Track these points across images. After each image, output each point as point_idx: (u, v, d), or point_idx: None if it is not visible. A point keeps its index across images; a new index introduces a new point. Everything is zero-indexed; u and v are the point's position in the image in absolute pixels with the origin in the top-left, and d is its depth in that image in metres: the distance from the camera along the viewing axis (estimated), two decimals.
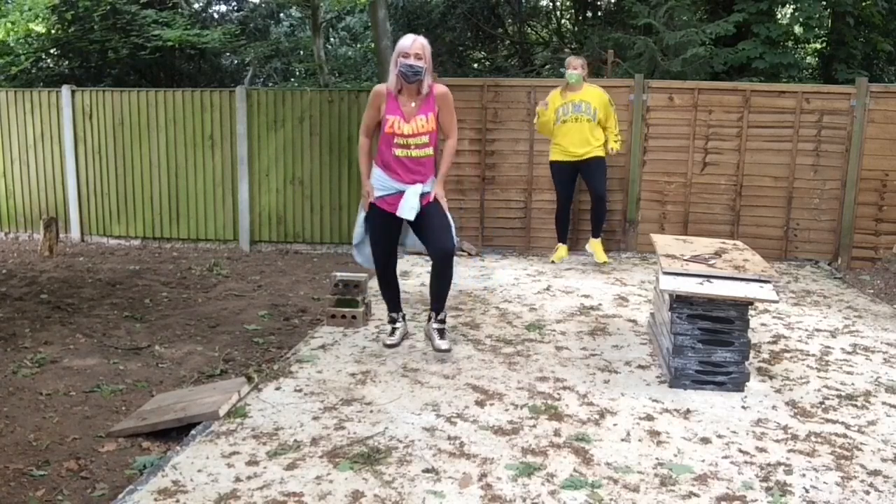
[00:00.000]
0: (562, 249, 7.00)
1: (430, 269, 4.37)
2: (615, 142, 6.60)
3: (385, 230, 4.30)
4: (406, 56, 4.01)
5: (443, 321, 4.41)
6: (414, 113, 4.12)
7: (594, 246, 6.96)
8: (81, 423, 3.72)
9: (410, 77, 4.03)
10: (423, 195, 4.18)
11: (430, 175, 4.25)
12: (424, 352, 4.41)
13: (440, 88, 4.18)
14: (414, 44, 4.03)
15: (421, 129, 4.12)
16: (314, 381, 3.91)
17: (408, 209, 4.11)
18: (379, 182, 4.23)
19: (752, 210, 7.59)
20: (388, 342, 4.45)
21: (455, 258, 4.32)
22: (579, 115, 6.51)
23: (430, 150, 4.19)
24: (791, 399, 3.75)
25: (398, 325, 4.55)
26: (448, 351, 4.29)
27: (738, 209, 7.61)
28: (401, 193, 4.16)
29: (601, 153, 6.59)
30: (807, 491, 2.82)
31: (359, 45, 17.77)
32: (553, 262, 7.00)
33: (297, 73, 16.39)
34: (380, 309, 5.35)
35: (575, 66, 6.51)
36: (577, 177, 6.74)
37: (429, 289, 4.42)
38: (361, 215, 4.42)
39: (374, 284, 6.11)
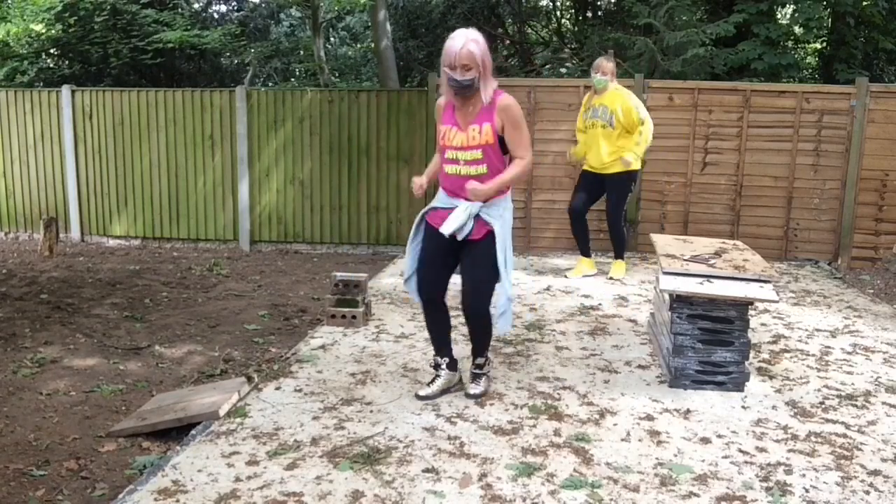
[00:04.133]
0: (581, 264, 6.45)
1: None
2: (632, 152, 5.96)
3: (434, 252, 3.56)
4: (453, 68, 3.32)
5: (480, 365, 3.75)
6: (469, 121, 3.44)
7: (616, 267, 6.43)
8: (81, 423, 3.72)
9: (459, 91, 3.38)
10: (477, 219, 3.46)
11: (491, 199, 3.50)
12: (424, 352, 4.41)
13: (503, 100, 3.41)
14: (460, 53, 3.29)
15: (473, 141, 3.41)
16: (314, 381, 3.91)
17: (450, 224, 3.42)
18: (440, 196, 3.61)
19: (752, 210, 7.59)
20: (422, 393, 3.68)
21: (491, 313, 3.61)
22: (595, 120, 6.06)
23: (483, 168, 3.43)
24: (791, 399, 3.75)
25: (441, 372, 3.73)
26: (478, 396, 3.68)
27: (738, 209, 7.61)
28: (455, 208, 3.49)
29: (621, 167, 6.01)
30: (807, 491, 2.82)
31: (359, 45, 17.76)
32: (566, 276, 6.44)
33: (297, 73, 16.39)
34: (380, 309, 5.35)
35: (604, 71, 5.97)
36: (598, 189, 6.21)
37: None
38: (413, 233, 3.67)
39: (374, 284, 6.13)
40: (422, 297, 3.63)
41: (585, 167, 6.28)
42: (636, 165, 6.06)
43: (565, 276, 6.43)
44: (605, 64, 6.02)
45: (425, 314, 3.71)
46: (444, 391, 3.70)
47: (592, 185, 6.22)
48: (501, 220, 3.49)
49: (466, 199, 3.45)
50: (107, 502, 2.93)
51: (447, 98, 3.49)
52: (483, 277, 3.47)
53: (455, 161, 3.48)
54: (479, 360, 3.74)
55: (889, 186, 7.36)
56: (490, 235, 3.45)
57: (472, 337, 3.70)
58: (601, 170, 6.12)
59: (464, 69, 3.31)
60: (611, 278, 6.34)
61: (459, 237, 3.45)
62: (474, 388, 3.71)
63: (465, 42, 3.30)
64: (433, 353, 3.78)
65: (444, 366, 3.72)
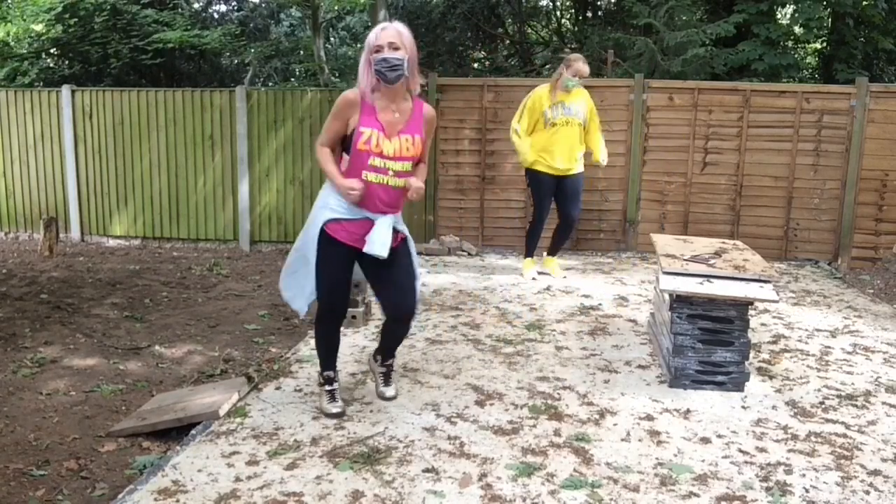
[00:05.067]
0: (530, 262, 6.43)
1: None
2: (603, 151, 6.06)
3: (342, 263, 3.32)
4: (378, 49, 3.09)
5: (391, 366, 3.72)
6: (398, 128, 3.22)
7: (551, 263, 6.46)
8: (81, 423, 3.72)
9: (389, 75, 3.09)
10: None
11: (400, 209, 3.39)
12: (424, 352, 4.41)
13: (429, 111, 3.33)
14: (384, 32, 3.11)
15: (406, 152, 3.24)
16: (314, 381, 3.90)
17: (380, 245, 3.20)
18: (338, 202, 3.26)
19: (752, 210, 7.59)
20: (334, 410, 3.46)
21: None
22: (570, 118, 5.85)
23: (406, 181, 3.28)
24: (791, 399, 3.75)
25: (336, 384, 3.56)
26: (393, 398, 3.63)
27: (738, 209, 7.61)
28: (366, 220, 3.25)
29: (580, 168, 6.02)
30: (807, 491, 2.82)
31: (359, 45, 17.74)
32: (534, 277, 6.33)
33: (297, 73, 16.39)
34: (379, 309, 5.34)
35: (583, 74, 5.83)
36: (555, 189, 6.08)
37: (379, 341, 3.69)
38: (311, 232, 3.31)
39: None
40: (326, 308, 3.37)
41: (543, 170, 5.95)
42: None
43: (564, 277, 6.39)
44: (585, 68, 5.86)
45: (324, 325, 3.45)
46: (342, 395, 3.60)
47: (553, 187, 6.03)
48: (403, 224, 3.44)
49: (382, 212, 3.25)
50: (107, 502, 2.93)
51: (362, 94, 3.18)
52: (412, 277, 3.41)
53: (383, 170, 3.21)
54: (389, 361, 3.69)
55: (889, 186, 7.36)
56: (405, 241, 3.40)
57: (395, 342, 3.62)
58: (566, 171, 5.95)
59: (391, 48, 3.08)
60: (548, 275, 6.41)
61: (385, 253, 3.22)
62: (390, 390, 3.67)
63: (390, 24, 3.17)
64: (322, 368, 3.52)
65: (336, 375, 3.56)
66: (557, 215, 6.26)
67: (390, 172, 3.23)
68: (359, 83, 3.19)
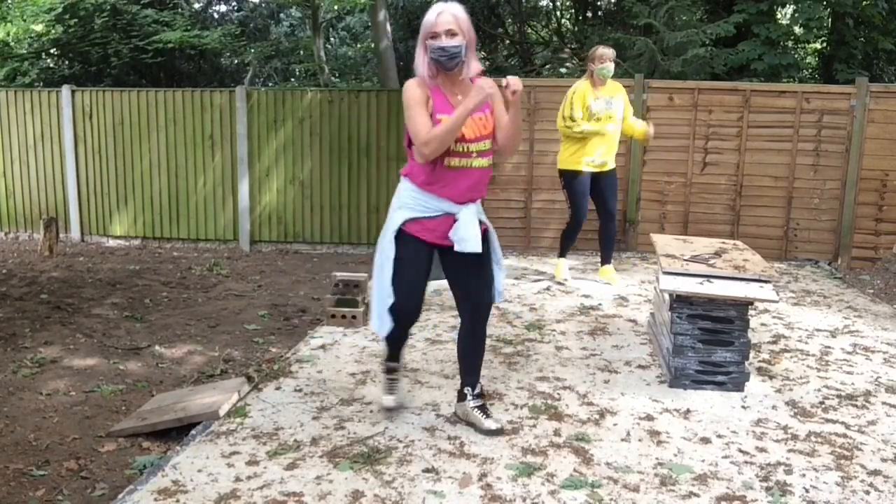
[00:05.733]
0: (563, 263, 6.26)
1: None
2: (644, 131, 5.81)
3: (423, 264, 3.14)
4: (435, 36, 2.96)
5: (480, 395, 3.36)
6: None
7: (607, 273, 6.20)
8: (81, 423, 3.72)
9: (447, 63, 2.97)
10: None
11: (484, 193, 3.24)
12: (424, 352, 4.41)
13: (485, 81, 3.11)
14: (440, 17, 2.96)
15: (483, 131, 3.08)
16: (314, 381, 3.91)
17: (472, 241, 3.03)
18: (416, 201, 3.11)
19: (752, 210, 7.59)
20: (386, 404, 3.47)
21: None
22: (612, 112, 5.67)
23: (491, 159, 3.18)
24: (791, 399, 3.74)
25: (398, 374, 3.52)
26: (499, 431, 3.26)
27: (738, 209, 7.61)
28: (448, 216, 3.09)
29: (614, 165, 5.87)
30: (807, 491, 2.82)
31: (359, 45, 17.76)
32: (565, 279, 6.21)
33: (297, 73, 16.39)
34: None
35: (611, 58, 5.63)
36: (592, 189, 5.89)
37: (457, 354, 3.39)
38: (386, 237, 3.16)
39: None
40: (401, 311, 3.14)
41: (580, 169, 5.73)
42: None
43: (565, 281, 6.22)
44: (611, 52, 5.65)
45: (397, 341, 3.34)
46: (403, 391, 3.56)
47: (587, 186, 5.81)
48: (485, 217, 3.27)
49: (464, 201, 3.10)
50: (107, 502, 2.93)
51: (426, 82, 3.05)
52: (491, 277, 3.23)
53: (466, 154, 3.06)
54: (479, 388, 3.35)
55: (889, 186, 7.36)
56: (487, 233, 3.21)
57: (472, 355, 3.33)
58: (603, 167, 5.76)
59: (448, 34, 2.94)
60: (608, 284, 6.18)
61: (479, 248, 3.06)
62: (493, 423, 3.27)
63: (446, 7, 2.99)
64: (387, 358, 3.46)
65: (401, 368, 3.51)
66: (597, 215, 6.01)
67: (473, 154, 3.08)
68: (417, 70, 3.06)
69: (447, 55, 2.95)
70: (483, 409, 3.31)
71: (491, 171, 3.22)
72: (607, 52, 5.66)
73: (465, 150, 3.06)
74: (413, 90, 3.05)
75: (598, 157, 5.71)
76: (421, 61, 3.03)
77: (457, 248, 3.05)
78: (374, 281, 3.23)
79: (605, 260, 6.22)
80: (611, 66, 5.62)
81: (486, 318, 3.29)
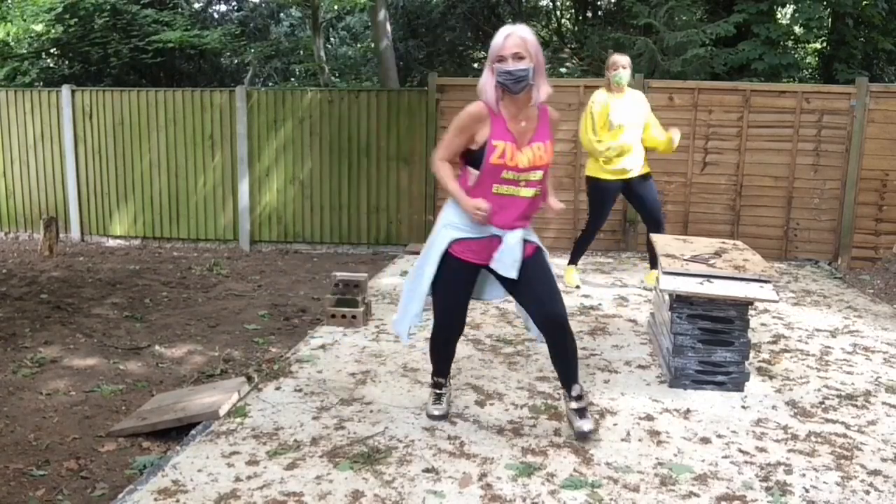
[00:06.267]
0: (572, 270, 6.10)
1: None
2: (671, 139, 5.60)
3: (464, 285, 3.20)
4: (502, 59, 2.94)
5: (580, 396, 3.27)
6: (528, 137, 3.06)
7: (653, 277, 5.68)
8: (81, 423, 3.72)
9: (513, 87, 2.94)
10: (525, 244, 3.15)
11: (530, 221, 3.23)
12: (424, 352, 4.41)
13: (554, 113, 3.18)
14: (508, 40, 2.94)
15: (539, 160, 3.06)
16: (314, 381, 3.91)
17: (510, 265, 3.06)
18: (463, 221, 3.10)
19: (752, 210, 7.59)
20: (435, 412, 3.43)
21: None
22: (632, 119, 5.57)
23: (538, 190, 3.14)
24: (791, 399, 3.75)
25: (445, 389, 3.52)
26: (591, 433, 3.21)
27: (738, 209, 7.61)
28: (493, 239, 3.09)
29: (647, 168, 5.71)
30: (807, 491, 2.82)
31: (359, 45, 17.76)
32: (578, 286, 6.05)
33: (297, 73, 16.38)
34: (380, 309, 5.35)
35: (624, 65, 5.53)
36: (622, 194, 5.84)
37: (554, 366, 3.35)
38: (432, 253, 3.15)
39: (374, 284, 6.12)
40: (443, 328, 3.25)
41: (607, 178, 5.61)
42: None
43: (577, 287, 6.04)
44: (625, 58, 5.57)
45: (440, 344, 3.35)
46: (449, 405, 3.52)
47: (615, 196, 5.75)
48: (534, 235, 3.24)
49: (512, 227, 3.09)
50: (107, 502, 2.93)
51: (488, 106, 3.02)
52: (555, 286, 3.16)
53: (514, 182, 3.05)
54: (576, 391, 3.26)
55: (889, 186, 7.36)
56: (538, 249, 3.19)
57: (564, 357, 3.23)
58: (632, 173, 5.61)
59: (515, 58, 2.92)
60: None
61: (515, 274, 3.08)
62: (587, 423, 3.21)
63: (514, 30, 2.97)
64: (434, 374, 3.48)
65: (448, 383, 3.52)
66: (644, 222, 5.92)
67: (522, 183, 3.07)
68: (482, 93, 3.03)
69: (513, 79, 2.93)
70: (579, 411, 3.24)
71: (539, 202, 3.20)
72: (620, 59, 5.58)
73: (515, 178, 3.05)
74: (466, 117, 3.04)
75: (626, 163, 5.57)
76: (488, 84, 3.01)
77: (492, 265, 3.09)
78: (406, 281, 3.29)
79: (653, 264, 5.85)
80: (624, 73, 5.52)
81: (565, 330, 3.18)
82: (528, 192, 3.09)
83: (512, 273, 3.06)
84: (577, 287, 6.05)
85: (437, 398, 3.48)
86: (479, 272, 3.21)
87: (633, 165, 5.60)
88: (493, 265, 3.10)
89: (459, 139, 3.06)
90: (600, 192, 5.68)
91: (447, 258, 3.12)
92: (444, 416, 3.43)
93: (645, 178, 5.69)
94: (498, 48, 2.95)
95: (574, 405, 3.25)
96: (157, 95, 8.91)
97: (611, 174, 5.60)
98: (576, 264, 6.13)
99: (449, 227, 3.13)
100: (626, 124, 5.51)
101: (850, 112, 7.32)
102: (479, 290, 3.35)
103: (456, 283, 3.17)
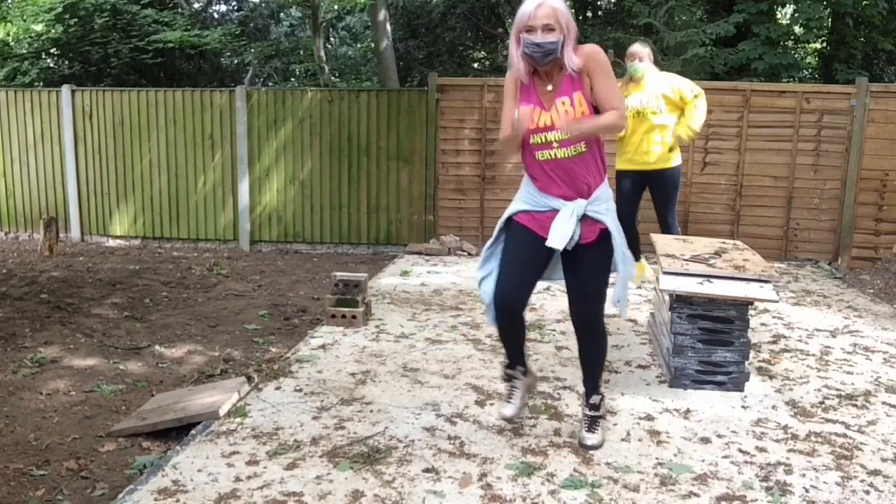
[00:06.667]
0: (638, 268, 5.86)
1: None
2: (685, 128, 5.42)
3: (523, 258, 3.01)
4: (531, 30, 2.80)
5: (596, 406, 3.18)
6: (554, 96, 2.91)
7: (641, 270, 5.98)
8: (81, 423, 3.71)
9: (540, 60, 2.82)
10: (584, 220, 2.95)
11: (594, 185, 2.97)
12: (424, 352, 4.41)
13: (585, 49, 2.89)
14: (539, 10, 2.78)
15: (566, 116, 2.89)
16: (314, 381, 3.91)
17: (558, 236, 2.90)
18: (529, 195, 3.04)
19: (752, 210, 7.59)
20: (507, 412, 3.21)
21: (605, 318, 3.18)
22: (643, 108, 5.39)
23: (582, 147, 2.90)
24: (791, 399, 3.74)
25: (517, 382, 3.25)
26: (596, 447, 3.11)
27: (738, 209, 7.61)
28: (554, 212, 2.95)
29: (670, 163, 5.51)
30: (807, 491, 2.82)
31: (359, 45, 17.76)
32: (647, 281, 5.98)
33: (297, 73, 16.39)
34: (380, 309, 5.35)
35: (641, 58, 5.36)
36: (643, 189, 5.69)
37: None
38: (498, 226, 3.10)
39: (374, 284, 6.12)
40: (498, 309, 3.01)
41: (623, 168, 5.59)
42: (680, 159, 5.54)
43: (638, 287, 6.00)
44: (641, 49, 5.42)
45: (500, 325, 3.08)
46: (525, 401, 3.27)
47: (635, 186, 5.62)
48: (611, 213, 2.98)
49: (564, 198, 2.94)
50: (107, 502, 2.93)
51: (518, 76, 2.94)
52: (598, 287, 3.01)
53: (546, 145, 2.91)
54: (595, 399, 3.16)
55: (889, 186, 7.36)
56: (605, 235, 2.96)
57: (585, 362, 3.18)
58: (646, 165, 5.50)
59: (545, 30, 2.78)
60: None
61: (561, 246, 2.91)
62: (591, 438, 3.12)
63: (543, 1, 2.80)
64: (506, 364, 3.27)
65: (519, 374, 3.24)
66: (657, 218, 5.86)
67: (555, 145, 2.90)
68: (510, 63, 2.92)
69: (542, 51, 2.80)
70: (590, 421, 3.17)
71: (588, 159, 2.94)
72: (634, 50, 5.46)
73: (544, 140, 2.92)
74: (507, 82, 3.01)
75: (636, 155, 5.51)
76: (514, 54, 2.89)
77: (547, 242, 2.93)
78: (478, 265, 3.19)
79: (637, 258, 5.88)
80: (637, 65, 5.40)
81: (592, 331, 3.11)
82: (565, 153, 2.91)
83: (556, 243, 2.89)
84: (647, 282, 5.93)
85: (510, 392, 3.25)
86: (545, 251, 2.98)
87: (647, 157, 5.50)
88: (547, 241, 2.93)
89: (509, 104, 2.99)
90: (618, 183, 5.59)
91: (511, 225, 3.06)
92: (513, 418, 3.20)
93: (664, 171, 5.54)
94: (527, 17, 2.80)
95: (588, 412, 3.19)
96: (157, 95, 8.91)
97: (625, 164, 5.60)
98: (637, 259, 5.91)
99: (517, 201, 3.07)
100: (632, 115, 5.40)
101: (850, 112, 7.32)
102: (551, 271, 3.13)
103: (517, 249, 3.02)
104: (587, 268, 3.01)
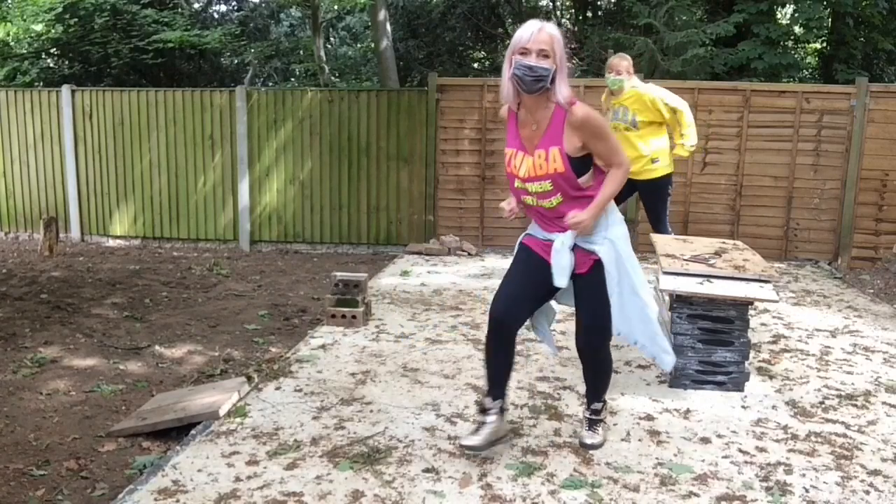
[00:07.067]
0: None
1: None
2: (681, 145, 5.35)
3: (524, 274, 3.01)
4: (525, 52, 2.72)
5: (597, 411, 3.21)
6: (535, 143, 2.84)
7: None
8: (81, 423, 3.71)
9: (528, 84, 2.73)
10: (577, 250, 2.93)
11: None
12: (424, 352, 4.41)
13: (577, 114, 2.75)
14: (538, 35, 2.72)
15: (540, 170, 2.82)
16: (314, 381, 3.91)
17: (558, 272, 2.88)
18: (532, 224, 3.09)
19: (752, 210, 7.59)
20: (466, 442, 2.97)
21: (608, 344, 3.12)
22: (616, 122, 5.38)
23: (558, 199, 2.85)
24: (791, 399, 3.74)
25: (489, 418, 3.02)
26: (596, 447, 3.14)
27: (738, 209, 7.61)
28: (550, 242, 2.96)
29: (654, 174, 5.38)
30: (807, 491, 2.82)
31: (359, 45, 17.76)
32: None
33: (297, 73, 16.39)
34: (380, 309, 5.35)
35: (618, 70, 5.31)
36: (632, 193, 5.58)
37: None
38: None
39: (374, 284, 6.13)
40: (491, 321, 2.98)
41: None
42: (669, 168, 5.43)
43: None
44: (619, 62, 5.36)
45: (489, 341, 3.03)
46: (492, 443, 3.01)
47: (623, 189, 5.67)
48: (607, 242, 2.91)
49: (560, 231, 2.91)
50: (107, 502, 2.93)
51: (509, 106, 2.90)
52: (594, 319, 2.98)
53: (525, 192, 2.91)
54: (596, 405, 3.19)
55: (889, 186, 7.36)
56: (597, 266, 2.91)
57: (587, 378, 3.20)
58: (631, 176, 5.47)
59: (540, 55, 2.70)
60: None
61: (564, 283, 2.91)
62: (591, 437, 3.17)
63: (545, 26, 2.75)
64: (483, 393, 3.14)
65: (496, 409, 3.03)
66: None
67: (532, 194, 2.89)
68: (501, 91, 2.85)
69: (533, 76, 2.71)
70: (590, 423, 3.20)
71: (574, 203, 2.86)
72: (612, 62, 5.40)
73: (523, 188, 2.91)
74: (503, 108, 2.99)
75: None
76: (505, 76, 2.80)
77: (554, 280, 2.92)
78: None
79: None
80: (613, 77, 5.32)
81: (592, 354, 3.08)
82: (545, 203, 2.89)
83: (558, 282, 2.89)
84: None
85: (478, 426, 3.03)
86: (548, 274, 2.94)
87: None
88: (554, 279, 2.93)
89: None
90: None
91: (519, 247, 3.08)
92: (475, 448, 2.98)
93: (646, 183, 5.43)
94: (524, 40, 2.73)
95: (588, 415, 3.22)
96: (157, 95, 8.91)
97: None
98: None
99: (529, 228, 3.12)
100: (614, 125, 5.31)
101: (850, 112, 7.32)
102: (565, 296, 3.11)
103: (519, 269, 3.02)
104: (580, 298, 3.01)
